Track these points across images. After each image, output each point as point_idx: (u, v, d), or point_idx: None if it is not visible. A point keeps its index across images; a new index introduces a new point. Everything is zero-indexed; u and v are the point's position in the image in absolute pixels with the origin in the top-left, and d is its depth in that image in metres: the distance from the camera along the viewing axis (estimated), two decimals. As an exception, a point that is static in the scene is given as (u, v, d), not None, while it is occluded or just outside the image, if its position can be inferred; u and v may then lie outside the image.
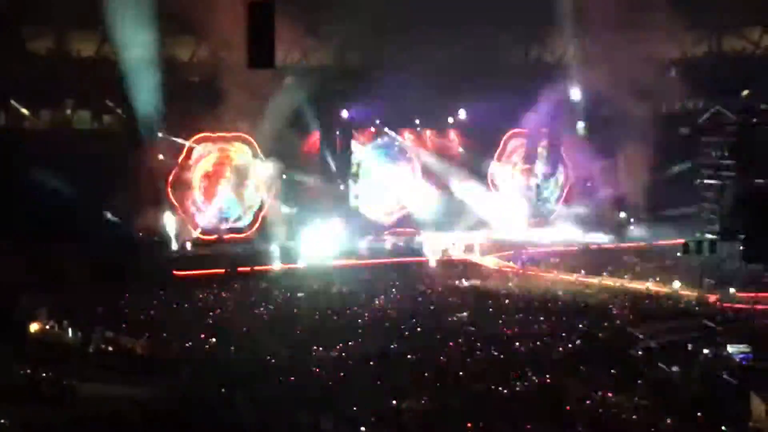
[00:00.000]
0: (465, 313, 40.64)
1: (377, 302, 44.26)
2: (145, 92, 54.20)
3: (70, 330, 36.31)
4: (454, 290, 47.97)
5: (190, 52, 61.10)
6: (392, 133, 66.27)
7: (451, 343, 34.72)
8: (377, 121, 65.57)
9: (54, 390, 28.14)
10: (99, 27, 55.29)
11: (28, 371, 29.68)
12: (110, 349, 33.75)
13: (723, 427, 24.27)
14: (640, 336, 34.16)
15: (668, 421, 24.88)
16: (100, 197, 53.12)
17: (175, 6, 51.88)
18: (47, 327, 37.19)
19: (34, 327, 36.97)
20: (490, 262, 57.89)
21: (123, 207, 54.52)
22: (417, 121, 67.27)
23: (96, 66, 57.73)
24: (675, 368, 30.04)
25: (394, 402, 26.90)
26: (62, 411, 26.57)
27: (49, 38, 58.64)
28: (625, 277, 50.21)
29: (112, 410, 25.67)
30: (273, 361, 32.30)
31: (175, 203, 57.31)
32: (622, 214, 66.41)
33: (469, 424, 24.95)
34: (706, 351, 31.91)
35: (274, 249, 56.37)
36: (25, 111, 57.00)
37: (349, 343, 34.89)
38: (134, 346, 34.38)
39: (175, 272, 51.52)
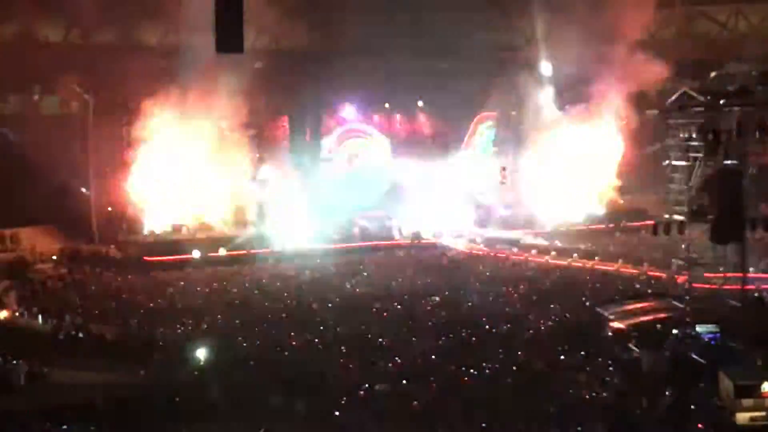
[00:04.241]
0: (437, 297, 40.64)
1: (349, 287, 44.23)
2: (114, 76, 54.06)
3: (40, 317, 36.11)
4: (425, 274, 47.91)
5: (157, 37, 60.70)
6: (362, 117, 66.19)
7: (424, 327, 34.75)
8: (347, 105, 65.48)
9: (24, 377, 27.99)
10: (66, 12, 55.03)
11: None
12: (81, 335, 33.52)
13: (692, 406, 24.46)
14: (610, 317, 34.31)
15: (638, 400, 25.06)
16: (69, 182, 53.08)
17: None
18: (17, 314, 37.01)
19: (3, 314, 36.78)
20: (461, 244, 57.92)
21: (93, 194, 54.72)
22: (387, 105, 67.25)
23: (64, 51, 57.28)
24: (645, 349, 30.23)
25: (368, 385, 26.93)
26: (33, 398, 26.45)
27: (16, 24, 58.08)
28: (596, 258, 50.41)
29: (83, 397, 25.59)
30: (245, 345, 32.25)
31: (144, 190, 56.86)
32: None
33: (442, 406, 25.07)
34: (675, 331, 32.13)
35: (246, 235, 56.00)
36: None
37: (321, 328, 34.87)
38: (105, 333, 34.19)
39: (145, 258, 51.14)
